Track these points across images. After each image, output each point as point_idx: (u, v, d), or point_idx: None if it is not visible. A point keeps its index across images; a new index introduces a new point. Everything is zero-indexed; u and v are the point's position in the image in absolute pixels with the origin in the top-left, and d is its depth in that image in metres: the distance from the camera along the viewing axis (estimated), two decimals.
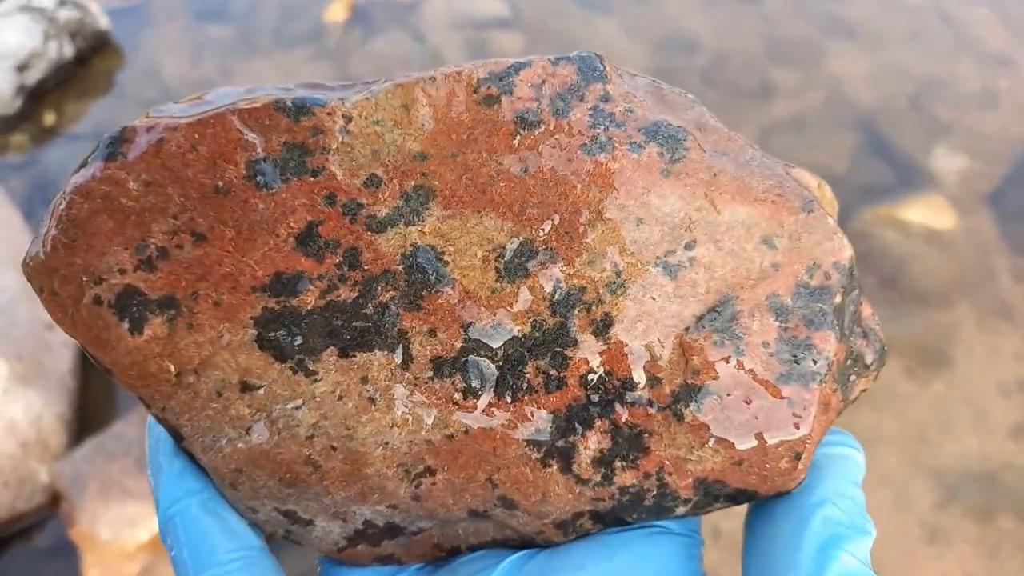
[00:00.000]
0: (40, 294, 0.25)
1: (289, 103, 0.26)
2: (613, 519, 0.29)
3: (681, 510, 0.29)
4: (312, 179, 0.26)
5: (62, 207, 0.25)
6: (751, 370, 0.27)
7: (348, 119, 0.27)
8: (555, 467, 0.28)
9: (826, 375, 0.27)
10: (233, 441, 0.27)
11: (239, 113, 0.26)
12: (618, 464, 0.28)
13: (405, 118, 0.27)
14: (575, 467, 0.28)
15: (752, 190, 0.28)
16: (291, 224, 0.26)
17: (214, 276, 0.26)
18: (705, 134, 0.29)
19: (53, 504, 1.20)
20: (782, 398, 0.27)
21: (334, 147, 0.26)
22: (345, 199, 0.26)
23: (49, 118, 1.80)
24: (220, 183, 0.25)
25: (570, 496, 0.28)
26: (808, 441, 0.27)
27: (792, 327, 0.27)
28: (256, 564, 0.28)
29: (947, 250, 1.53)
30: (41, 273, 0.25)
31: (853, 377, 0.30)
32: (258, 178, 0.26)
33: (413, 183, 0.26)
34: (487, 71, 0.27)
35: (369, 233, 0.26)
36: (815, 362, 0.27)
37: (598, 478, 0.28)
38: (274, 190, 0.26)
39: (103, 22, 1.93)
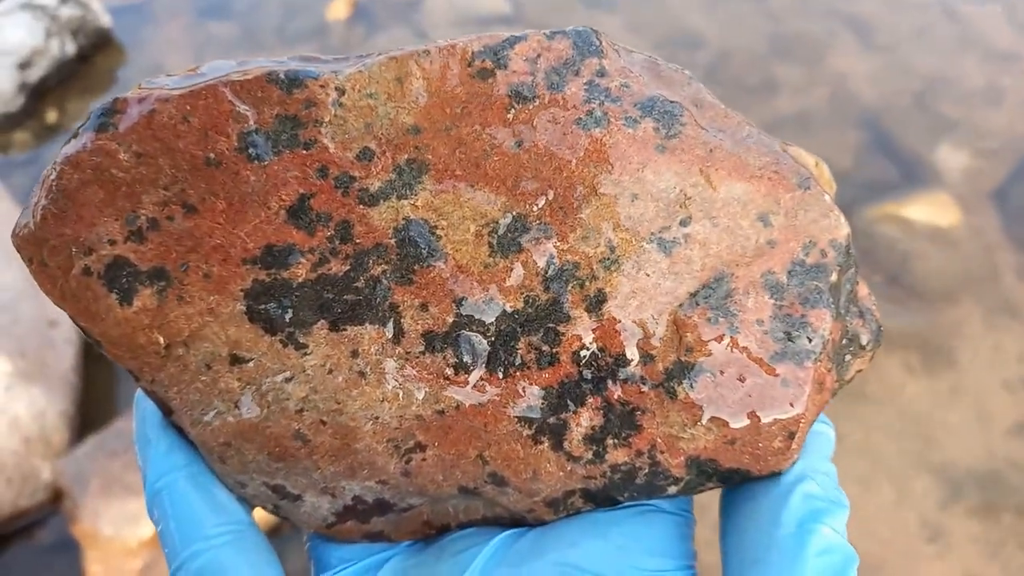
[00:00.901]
0: (29, 265, 0.25)
1: (282, 75, 0.26)
2: (605, 498, 0.29)
3: (673, 489, 0.28)
4: (304, 152, 0.26)
5: (52, 178, 0.25)
6: (745, 348, 0.27)
7: (341, 92, 0.26)
8: (546, 444, 0.27)
9: (821, 354, 0.27)
10: (222, 414, 0.27)
11: (231, 85, 0.25)
12: (610, 442, 0.27)
13: (399, 91, 0.26)
14: (566, 444, 0.27)
15: (748, 167, 0.28)
16: (283, 197, 0.25)
17: (205, 248, 0.25)
18: (702, 110, 0.29)
19: (56, 501, 1.20)
20: (776, 376, 0.27)
21: (327, 120, 0.26)
22: (337, 172, 0.26)
23: (51, 116, 1.80)
24: (212, 155, 0.25)
25: (561, 474, 0.28)
26: (802, 420, 0.27)
27: (787, 305, 0.27)
28: (244, 539, 0.27)
29: (951, 247, 1.53)
30: (31, 244, 0.25)
31: (848, 357, 0.29)
32: (250, 150, 0.25)
33: (406, 156, 0.26)
34: (482, 44, 0.27)
35: (361, 206, 0.26)
36: (810, 340, 0.27)
37: (590, 455, 0.27)
38: (266, 162, 0.25)
39: (105, 20, 1.93)
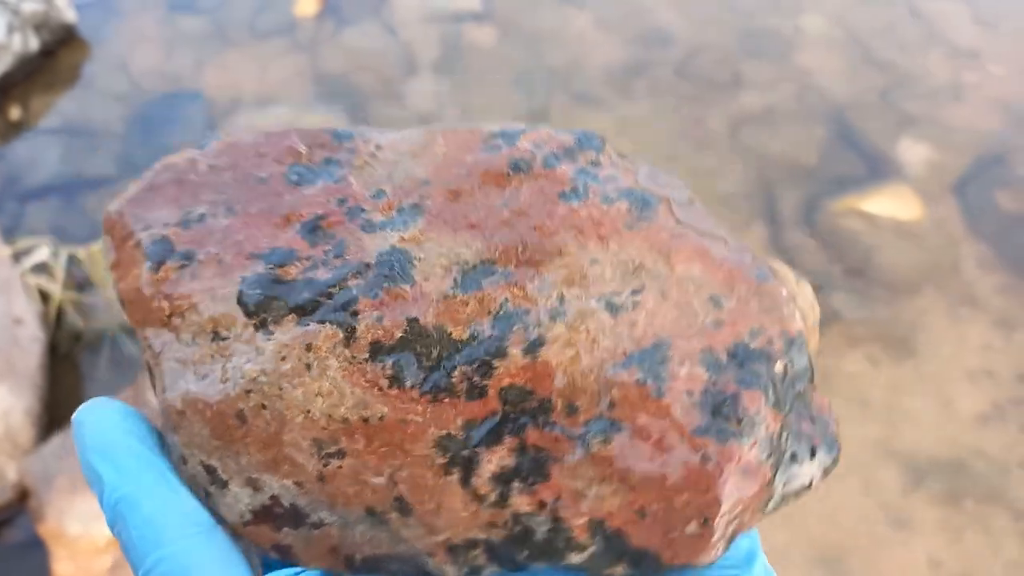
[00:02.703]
0: (105, 235, 0.30)
1: (339, 130, 0.32)
2: (507, 557, 0.27)
3: (575, 558, 0.27)
4: (333, 185, 0.31)
5: (149, 174, 0.31)
6: (670, 414, 0.26)
7: (379, 148, 0.32)
8: (456, 476, 0.27)
9: (749, 437, 0.26)
10: (188, 384, 0.28)
11: (299, 131, 0.32)
12: (516, 485, 0.27)
13: (422, 152, 0.32)
14: (474, 480, 0.27)
15: (710, 255, 0.28)
16: (303, 214, 0.30)
17: (228, 241, 0.29)
18: (685, 209, 0.30)
19: (23, 500, 1.19)
20: (696, 450, 0.26)
21: (358, 165, 0.31)
22: (352, 204, 0.30)
23: (15, 112, 1.78)
24: (263, 175, 0.31)
25: (465, 514, 0.27)
26: (717, 506, 0.25)
27: (722, 382, 0.26)
28: (210, 539, 0.27)
29: (914, 240, 1.56)
30: (112, 218, 0.30)
31: (795, 466, 0.28)
32: (293, 176, 0.31)
33: (410, 201, 0.30)
34: (500, 128, 0.32)
35: (360, 232, 0.29)
36: (739, 421, 0.26)
37: (494, 497, 0.27)
38: (302, 188, 0.31)
39: (69, 15, 1.91)
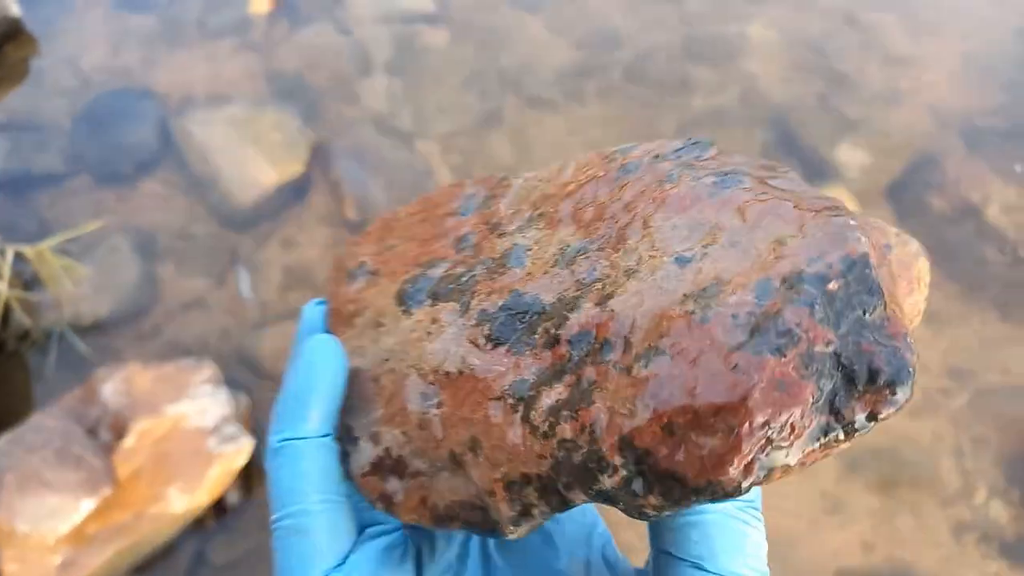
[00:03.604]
0: (338, 263, 0.39)
1: (501, 174, 0.39)
2: (552, 488, 0.28)
3: (607, 481, 0.27)
4: (487, 211, 0.37)
5: (374, 224, 0.40)
6: (712, 336, 0.26)
7: (526, 179, 0.37)
8: (519, 413, 0.29)
9: (787, 349, 0.25)
10: (353, 362, 0.34)
11: (477, 176, 0.39)
12: (564, 414, 0.28)
13: (554, 175, 0.37)
14: (532, 414, 0.28)
15: (788, 207, 0.28)
16: (459, 233, 0.36)
17: (404, 258, 0.37)
18: (778, 180, 0.30)
19: None
20: (730, 362, 0.25)
21: (508, 194, 0.37)
22: (495, 220, 0.36)
23: None
24: (440, 212, 0.38)
25: (521, 447, 0.28)
26: (745, 416, 0.24)
27: (768, 304, 0.26)
28: (338, 509, 0.31)
29: None
30: (337, 255, 0.39)
31: (855, 392, 0.25)
32: (461, 210, 0.37)
33: (538, 211, 0.35)
34: (619, 144, 0.37)
35: (496, 238, 0.35)
36: (778, 334, 0.25)
37: (545, 427, 0.28)
38: (465, 216, 0.37)
39: (14, 9, 1.87)
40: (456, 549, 0.34)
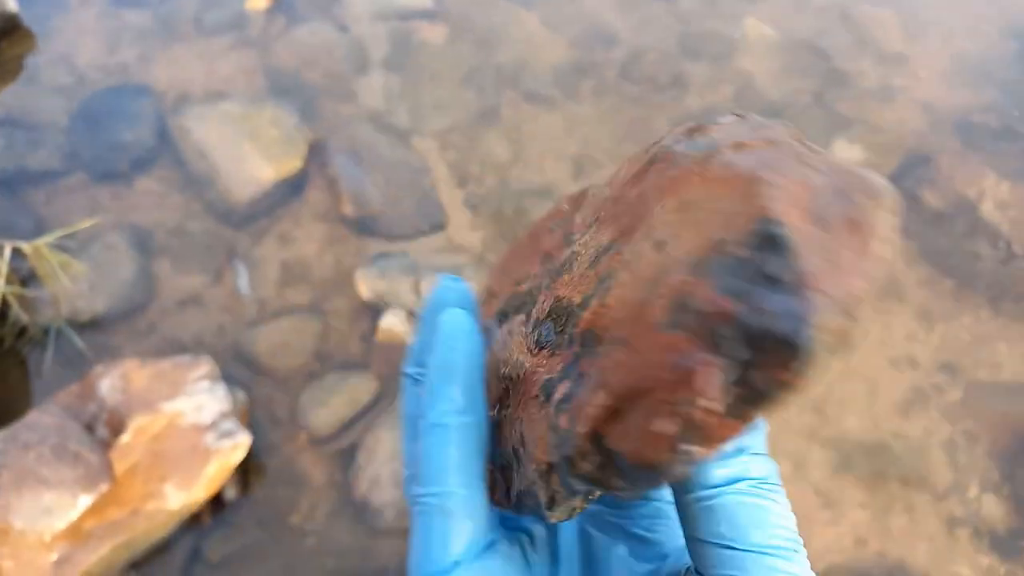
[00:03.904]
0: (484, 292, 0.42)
1: (588, 185, 0.41)
2: (563, 478, 0.30)
3: (586, 466, 0.28)
4: (568, 224, 0.39)
5: (495, 263, 0.43)
6: (649, 319, 0.28)
7: (599, 187, 0.40)
8: (546, 409, 0.31)
9: (693, 323, 0.25)
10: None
11: (568, 193, 0.42)
12: (564, 406, 0.30)
13: (615, 179, 0.37)
14: (550, 409, 0.31)
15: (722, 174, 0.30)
16: (544, 249, 0.39)
17: (509, 277, 0.41)
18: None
19: None
20: (658, 344, 0.27)
21: (585, 203, 0.39)
22: (569, 230, 0.38)
23: None
24: (540, 231, 0.41)
25: (543, 438, 0.31)
26: (664, 394, 0.25)
27: (679, 280, 0.28)
28: (477, 493, 0.32)
29: None
30: (494, 269, 0.43)
31: (761, 355, 0.24)
32: (552, 226, 0.40)
33: (596, 217, 0.37)
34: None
35: (565, 247, 0.38)
36: (686, 310, 0.26)
37: (554, 419, 0.30)
38: (554, 232, 0.40)
39: (11, 5, 1.88)
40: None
